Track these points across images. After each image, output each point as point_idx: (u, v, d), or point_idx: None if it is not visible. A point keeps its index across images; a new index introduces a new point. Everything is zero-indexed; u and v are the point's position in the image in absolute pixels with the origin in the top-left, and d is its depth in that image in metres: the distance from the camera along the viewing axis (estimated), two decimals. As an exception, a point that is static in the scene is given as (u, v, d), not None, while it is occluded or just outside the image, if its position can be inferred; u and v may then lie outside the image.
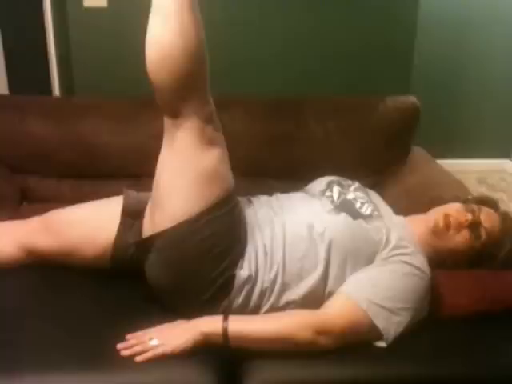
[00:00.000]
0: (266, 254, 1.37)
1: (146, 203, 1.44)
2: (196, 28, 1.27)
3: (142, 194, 1.53)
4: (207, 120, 1.33)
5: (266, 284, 1.35)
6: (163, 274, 1.35)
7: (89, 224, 1.47)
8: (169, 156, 1.34)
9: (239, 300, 1.34)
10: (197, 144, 1.31)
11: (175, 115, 1.31)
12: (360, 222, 1.42)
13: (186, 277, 1.33)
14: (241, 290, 1.34)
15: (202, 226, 1.30)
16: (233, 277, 1.33)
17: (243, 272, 1.34)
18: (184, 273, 1.33)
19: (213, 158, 1.34)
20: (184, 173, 1.31)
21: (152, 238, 1.33)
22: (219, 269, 1.32)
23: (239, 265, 1.34)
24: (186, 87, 1.28)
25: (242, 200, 1.52)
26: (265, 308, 1.35)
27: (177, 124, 1.31)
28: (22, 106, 2.15)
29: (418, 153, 2.33)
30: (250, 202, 1.53)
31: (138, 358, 1.24)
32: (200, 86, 1.31)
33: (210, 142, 1.34)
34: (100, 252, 1.44)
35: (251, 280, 1.34)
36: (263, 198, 1.56)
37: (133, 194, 1.54)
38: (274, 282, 1.35)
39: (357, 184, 1.59)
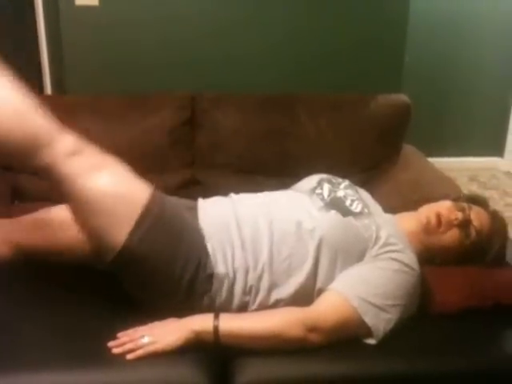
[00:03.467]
0: (245, 250, 1.36)
1: None
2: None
3: None
4: (71, 154, 1.26)
5: (252, 281, 1.35)
6: (130, 285, 1.38)
7: None
8: (72, 205, 1.33)
9: (221, 297, 1.34)
10: (79, 180, 1.25)
11: (40, 171, 1.27)
12: (350, 219, 1.42)
13: (155, 285, 1.34)
14: (221, 288, 1.34)
15: (137, 245, 1.28)
16: (210, 275, 1.34)
17: (219, 269, 1.34)
18: (151, 284, 1.34)
19: (106, 182, 1.28)
20: (91, 212, 1.28)
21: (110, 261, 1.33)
22: (187, 270, 1.32)
23: (212, 263, 1.35)
24: (16, 151, 1.25)
25: (218, 198, 1.55)
26: (253, 306, 1.36)
27: (49, 175, 1.27)
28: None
29: (409, 151, 2.34)
30: (231, 199, 1.54)
31: (130, 356, 1.24)
32: (29, 139, 1.24)
33: (94, 169, 1.27)
34: (90, 252, 1.43)
35: (229, 277, 1.34)
36: (249, 196, 1.56)
37: None
38: (260, 279, 1.35)
39: (347, 182, 1.60)
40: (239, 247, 1.37)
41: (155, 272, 1.32)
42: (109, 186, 1.29)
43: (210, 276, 1.34)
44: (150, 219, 1.30)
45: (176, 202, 1.49)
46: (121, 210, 1.29)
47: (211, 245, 1.37)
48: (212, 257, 1.36)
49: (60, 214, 1.51)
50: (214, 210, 1.48)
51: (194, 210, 1.48)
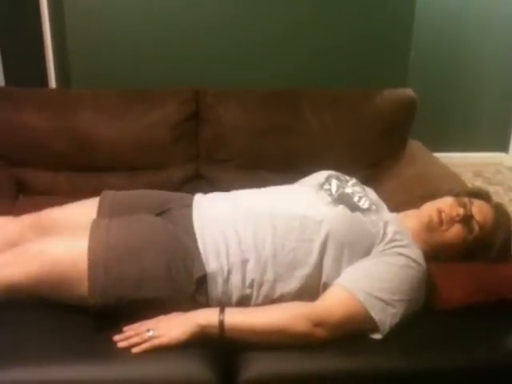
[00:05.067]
0: (243, 245, 1.35)
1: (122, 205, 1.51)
2: None
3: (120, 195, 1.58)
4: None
5: (254, 275, 1.34)
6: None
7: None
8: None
9: (218, 293, 1.33)
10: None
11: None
12: (358, 214, 1.42)
13: (148, 304, 1.33)
14: (215, 284, 1.33)
15: (105, 296, 1.29)
16: (203, 276, 1.33)
17: (211, 267, 1.33)
18: (144, 303, 1.32)
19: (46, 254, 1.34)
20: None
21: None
22: (174, 280, 1.32)
23: (203, 262, 1.34)
24: None
25: (217, 194, 1.56)
26: (258, 299, 1.35)
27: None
28: (17, 98, 2.14)
29: (414, 146, 2.33)
30: (232, 194, 1.55)
31: (135, 350, 1.24)
32: None
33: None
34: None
35: (223, 272, 1.33)
36: (253, 191, 1.56)
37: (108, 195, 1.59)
38: (263, 272, 1.34)
39: (354, 180, 1.60)
40: (235, 242, 1.36)
41: (141, 299, 1.30)
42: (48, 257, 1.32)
43: (203, 276, 1.33)
44: (101, 267, 1.29)
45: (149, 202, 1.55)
46: (67, 274, 1.31)
47: (202, 243, 1.37)
48: (203, 256, 1.35)
49: (60, 216, 1.53)
50: (211, 206, 1.49)
51: (190, 207, 1.48)
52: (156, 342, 1.25)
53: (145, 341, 1.25)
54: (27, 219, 1.56)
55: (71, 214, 1.55)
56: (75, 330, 1.31)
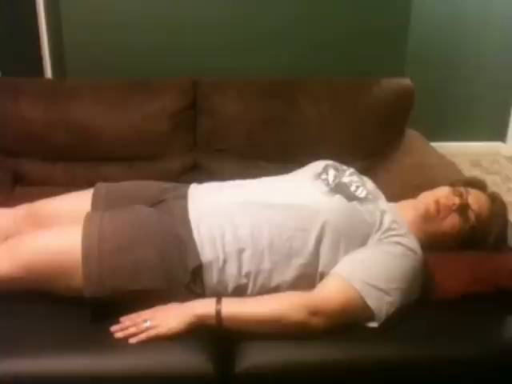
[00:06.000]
0: (240, 234, 1.35)
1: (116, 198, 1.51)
2: None
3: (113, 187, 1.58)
4: None
5: (250, 263, 1.34)
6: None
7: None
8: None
9: (213, 282, 1.34)
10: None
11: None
12: (354, 204, 1.42)
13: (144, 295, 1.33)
14: (210, 273, 1.33)
15: (100, 288, 1.29)
16: (199, 266, 1.33)
17: (206, 256, 1.33)
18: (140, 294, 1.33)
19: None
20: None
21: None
22: (171, 271, 1.32)
23: (199, 251, 1.34)
24: None
25: (213, 184, 1.56)
26: (255, 288, 1.35)
27: None
28: (13, 88, 2.13)
29: (412, 135, 2.32)
30: (228, 184, 1.54)
31: (132, 340, 1.25)
32: None
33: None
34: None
35: (218, 261, 1.33)
36: (250, 180, 1.56)
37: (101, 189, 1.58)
38: (260, 261, 1.35)
39: (352, 169, 1.60)
40: (231, 232, 1.36)
41: (136, 290, 1.31)
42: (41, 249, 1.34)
43: (198, 266, 1.33)
44: (94, 259, 1.30)
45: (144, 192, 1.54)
46: (61, 266, 1.31)
47: (198, 233, 1.36)
48: (199, 245, 1.35)
49: (54, 208, 1.53)
50: (206, 196, 1.48)
51: (185, 198, 1.48)
52: (153, 332, 1.25)
53: (142, 331, 1.25)
54: (21, 210, 1.56)
55: (65, 206, 1.55)
56: (72, 322, 1.31)
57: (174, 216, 1.42)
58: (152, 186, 1.61)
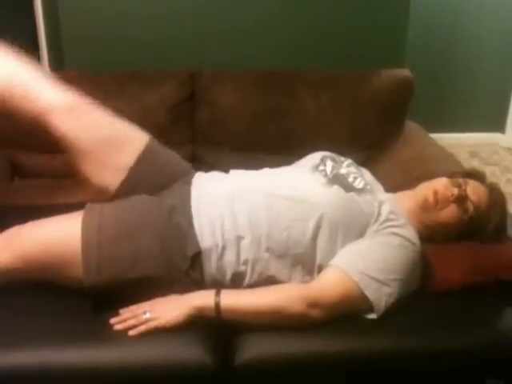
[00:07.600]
0: (238, 222, 1.35)
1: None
2: None
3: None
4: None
5: (248, 252, 1.34)
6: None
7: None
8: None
9: (212, 269, 1.33)
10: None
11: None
12: (352, 195, 1.42)
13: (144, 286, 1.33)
14: (209, 261, 1.33)
15: (99, 278, 1.29)
16: (198, 253, 1.33)
17: (205, 244, 1.33)
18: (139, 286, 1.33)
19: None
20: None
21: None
22: (171, 260, 1.32)
23: (198, 239, 1.33)
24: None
25: (215, 174, 1.54)
26: (253, 277, 1.35)
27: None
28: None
29: (411, 127, 2.32)
30: (229, 174, 1.54)
31: (132, 332, 1.25)
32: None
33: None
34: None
35: (217, 249, 1.33)
36: (249, 172, 1.55)
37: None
38: (258, 249, 1.34)
39: (350, 160, 1.59)
40: (230, 219, 1.35)
41: (136, 278, 1.31)
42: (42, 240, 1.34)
43: (198, 253, 1.33)
44: (94, 247, 1.29)
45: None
46: (60, 255, 1.31)
47: (198, 220, 1.36)
48: (198, 233, 1.35)
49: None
50: (208, 185, 1.48)
51: (189, 185, 1.48)
52: (152, 324, 1.25)
53: (141, 323, 1.26)
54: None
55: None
56: (72, 314, 1.31)
57: (177, 204, 1.41)
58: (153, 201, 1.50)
